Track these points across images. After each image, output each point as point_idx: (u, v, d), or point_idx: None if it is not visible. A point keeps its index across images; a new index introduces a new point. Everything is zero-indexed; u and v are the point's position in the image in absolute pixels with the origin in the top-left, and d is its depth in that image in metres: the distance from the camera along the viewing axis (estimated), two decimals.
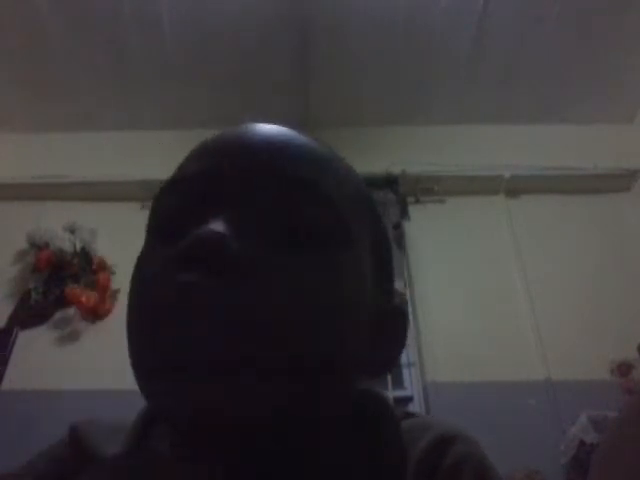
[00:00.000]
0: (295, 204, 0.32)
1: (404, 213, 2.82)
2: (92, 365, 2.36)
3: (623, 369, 2.31)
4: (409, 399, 2.44)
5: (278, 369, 0.28)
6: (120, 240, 2.35)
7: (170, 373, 0.27)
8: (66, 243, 2.64)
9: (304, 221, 0.32)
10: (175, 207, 0.34)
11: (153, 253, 0.33)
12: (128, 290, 0.33)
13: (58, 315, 2.56)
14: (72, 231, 2.66)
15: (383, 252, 0.40)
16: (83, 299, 2.47)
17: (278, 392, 0.28)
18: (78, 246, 2.63)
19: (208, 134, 0.38)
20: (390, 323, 0.39)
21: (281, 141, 0.36)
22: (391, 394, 2.33)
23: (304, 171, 0.34)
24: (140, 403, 0.30)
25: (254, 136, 0.36)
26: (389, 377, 2.38)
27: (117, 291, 2.57)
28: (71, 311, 2.55)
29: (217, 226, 0.29)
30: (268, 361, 0.28)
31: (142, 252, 0.35)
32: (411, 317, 2.52)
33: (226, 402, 0.27)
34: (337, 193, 0.34)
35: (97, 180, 2.84)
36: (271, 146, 0.35)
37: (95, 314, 2.52)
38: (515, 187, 2.90)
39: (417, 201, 2.90)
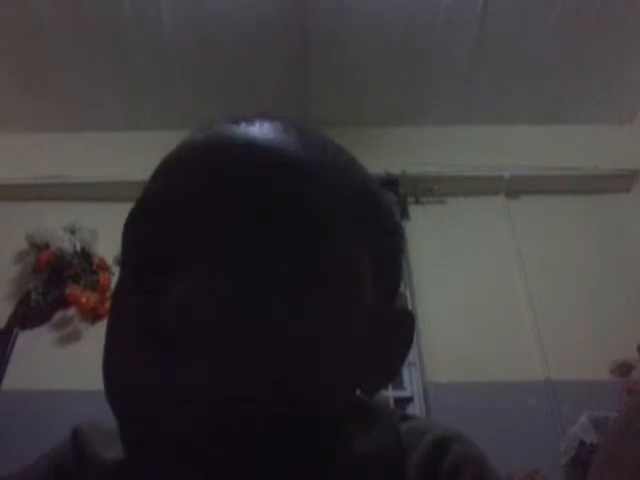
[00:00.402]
0: (272, 234, 0.29)
1: (404, 213, 2.81)
2: (92, 365, 2.32)
3: (623, 369, 2.31)
4: (409, 399, 2.43)
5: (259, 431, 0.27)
6: (120, 240, 2.35)
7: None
8: (66, 243, 2.64)
9: (284, 255, 0.29)
10: (142, 237, 0.32)
11: (123, 295, 0.32)
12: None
13: (58, 316, 2.56)
14: (72, 231, 2.66)
15: (391, 255, 0.37)
16: (83, 300, 2.47)
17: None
18: (78, 246, 2.63)
19: None
20: (395, 332, 0.37)
21: (257, 154, 0.31)
22: (391, 394, 2.32)
23: (286, 192, 0.30)
24: None
25: (223, 149, 0.31)
26: None
27: None
28: (71, 312, 2.55)
29: (178, 291, 0.27)
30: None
31: (116, 286, 0.33)
32: None
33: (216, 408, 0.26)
34: (328, 210, 0.31)
35: (97, 180, 2.84)
36: (242, 162, 0.30)
37: (95, 315, 2.52)
38: (515, 187, 2.90)
39: (417, 201, 2.90)
